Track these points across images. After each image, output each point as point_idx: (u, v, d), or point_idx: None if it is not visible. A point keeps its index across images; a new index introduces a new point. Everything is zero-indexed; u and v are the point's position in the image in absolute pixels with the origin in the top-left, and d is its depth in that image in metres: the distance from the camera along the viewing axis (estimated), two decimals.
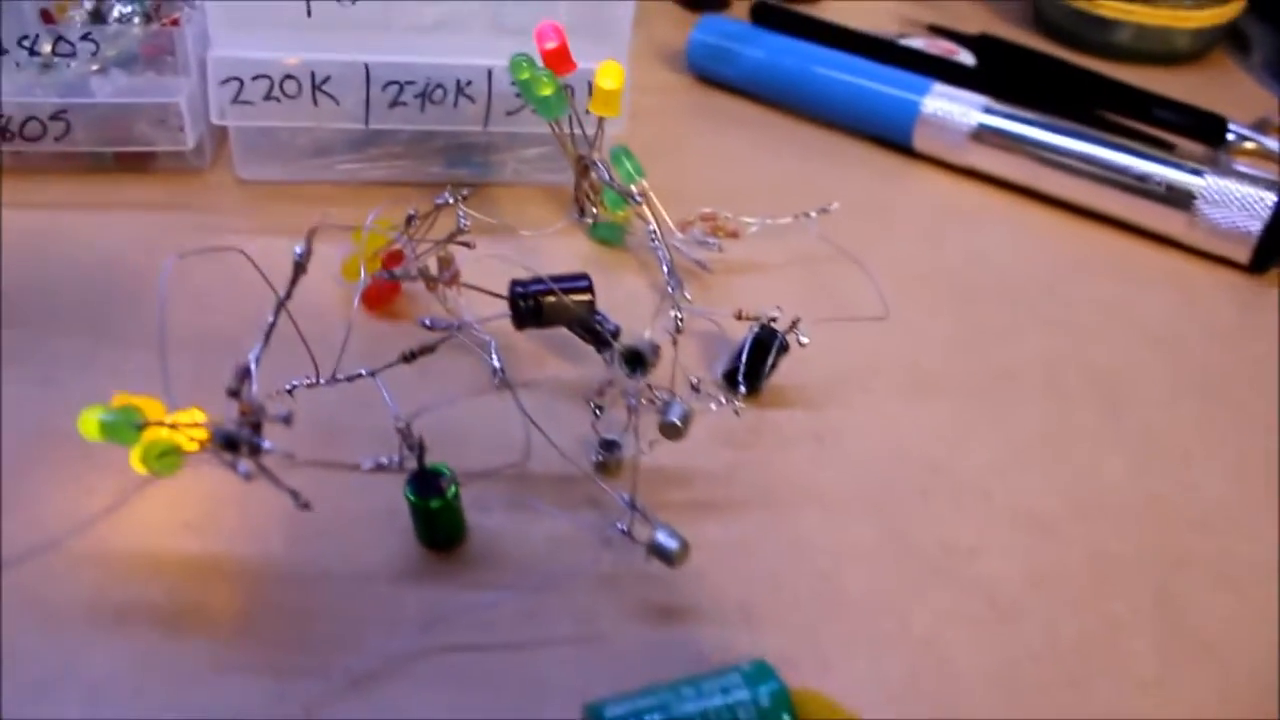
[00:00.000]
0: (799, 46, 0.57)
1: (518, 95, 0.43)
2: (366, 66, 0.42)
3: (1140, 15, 0.66)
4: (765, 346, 0.38)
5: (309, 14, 0.43)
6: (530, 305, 0.31)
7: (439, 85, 0.43)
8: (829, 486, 0.37)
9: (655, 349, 0.31)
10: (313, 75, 0.42)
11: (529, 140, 0.48)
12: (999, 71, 0.58)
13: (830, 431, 0.39)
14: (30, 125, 0.44)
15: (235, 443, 0.26)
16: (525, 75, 0.37)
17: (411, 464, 0.31)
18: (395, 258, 0.40)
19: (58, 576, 0.31)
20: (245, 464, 0.26)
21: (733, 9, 0.70)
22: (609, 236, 0.46)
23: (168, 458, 0.28)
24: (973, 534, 0.35)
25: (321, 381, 0.34)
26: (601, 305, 0.43)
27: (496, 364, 0.33)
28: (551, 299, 0.31)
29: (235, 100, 0.42)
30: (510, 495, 0.35)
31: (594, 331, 0.34)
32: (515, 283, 0.31)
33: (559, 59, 0.36)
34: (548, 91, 0.36)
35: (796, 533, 0.35)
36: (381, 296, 0.41)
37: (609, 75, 0.35)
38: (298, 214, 0.46)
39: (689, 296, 0.43)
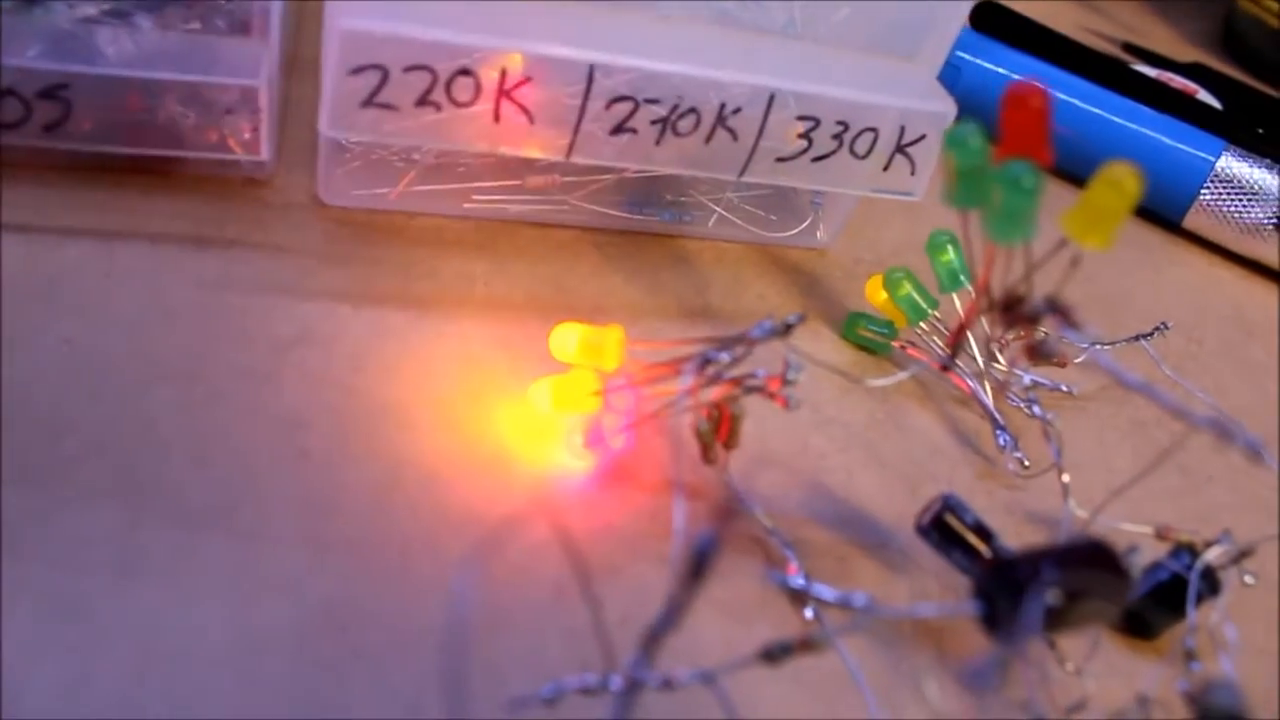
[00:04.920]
0: (1034, 66, 0.44)
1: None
2: (592, 69, 0.26)
3: None
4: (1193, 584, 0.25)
5: None
6: (1055, 606, 0.17)
7: (692, 109, 0.27)
8: None
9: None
10: (503, 74, 0.26)
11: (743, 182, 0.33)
12: (1246, 120, 0.46)
13: (1264, 693, 0.27)
14: (7, 105, 0.26)
15: None
16: (973, 163, 0.21)
17: None
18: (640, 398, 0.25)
19: None
20: None
21: None
22: (875, 341, 0.32)
23: None
24: None
25: (616, 686, 0.19)
26: (896, 462, 0.29)
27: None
28: (1081, 596, 0.17)
29: (369, 102, 0.26)
30: None
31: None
32: (1023, 563, 0.17)
33: (1035, 140, 0.21)
34: (1025, 201, 0.20)
35: None
36: (605, 444, 0.26)
37: (1114, 182, 0.20)
38: (418, 268, 0.30)
39: (1026, 462, 0.29)
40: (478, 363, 0.28)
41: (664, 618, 0.15)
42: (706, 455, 0.25)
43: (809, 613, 0.24)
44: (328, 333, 0.28)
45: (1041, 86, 0.20)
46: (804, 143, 0.29)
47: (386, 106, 0.26)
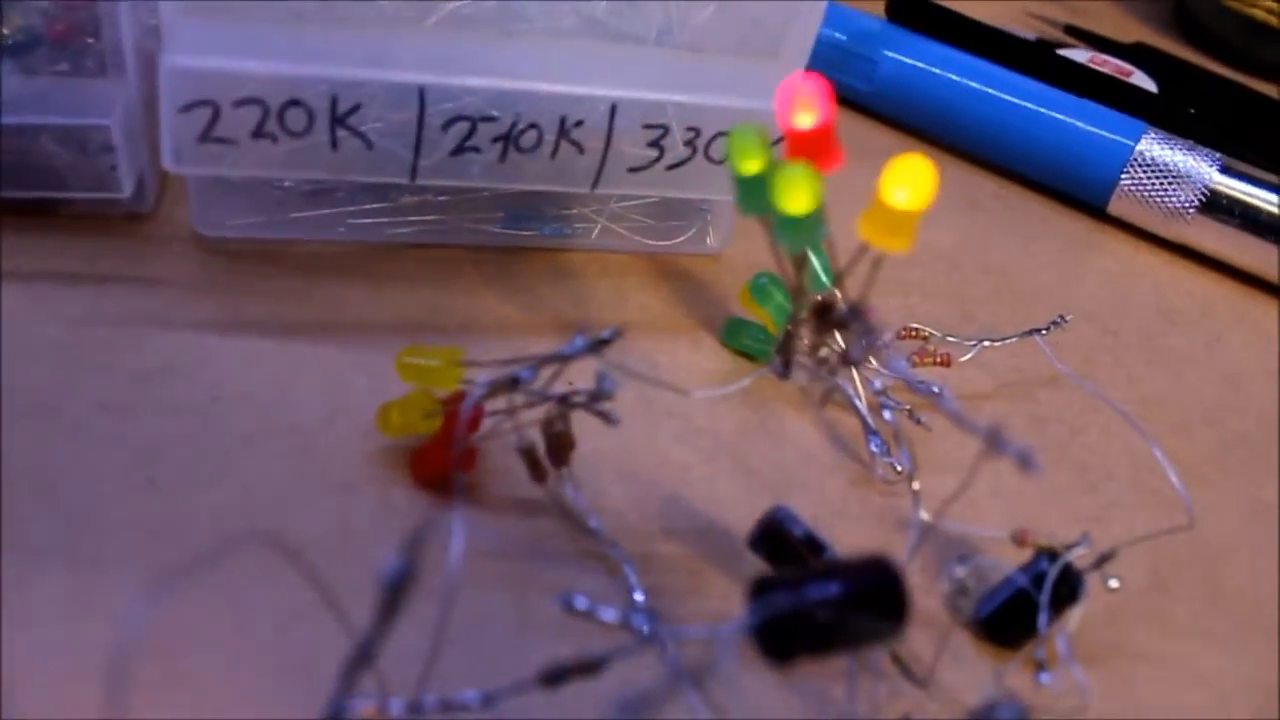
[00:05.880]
0: (953, 57, 0.43)
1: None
2: (422, 91, 0.26)
3: None
4: (1060, 590, 0.25)
5: None
6: (812, 630, 0.17)
7: (532, 125, 0.28)
8: None
9: None
10: (334, 102, 0.26)
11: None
12: (1183, 102, 0.45)
13: (1138, 707, 0.26)
14: None
15: None
16: (753, 168, 0.21)
17: None
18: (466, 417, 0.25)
19: None
20: None
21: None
22: (754, 346, 0.32)
23: None
24: None
25: (397, 711, 0.19)
26: (765, 471, 0.29)
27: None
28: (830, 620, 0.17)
29: (205, 137, 0.26)
30: None
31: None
32: (785, 582, 0.17)
33: (821, 147, 0.21)
34: (802, 208, 0.20)
35: None
36: (441, 465, 0.26)
37: (904, 178, 0.20)
38: (291, 295, 0.30)
39: (898, 467, 0.29)
40: (337, 387, 0.28)
41: (357, 651, 0.15)
42: (534, 473, 0.25)
43: (644, 630, 0.24)
44: (190, 362, 0.28)
45: (827, 83, 0.20)
46: (654, 151, 0.29)
47: (224, 140, 0.26)
